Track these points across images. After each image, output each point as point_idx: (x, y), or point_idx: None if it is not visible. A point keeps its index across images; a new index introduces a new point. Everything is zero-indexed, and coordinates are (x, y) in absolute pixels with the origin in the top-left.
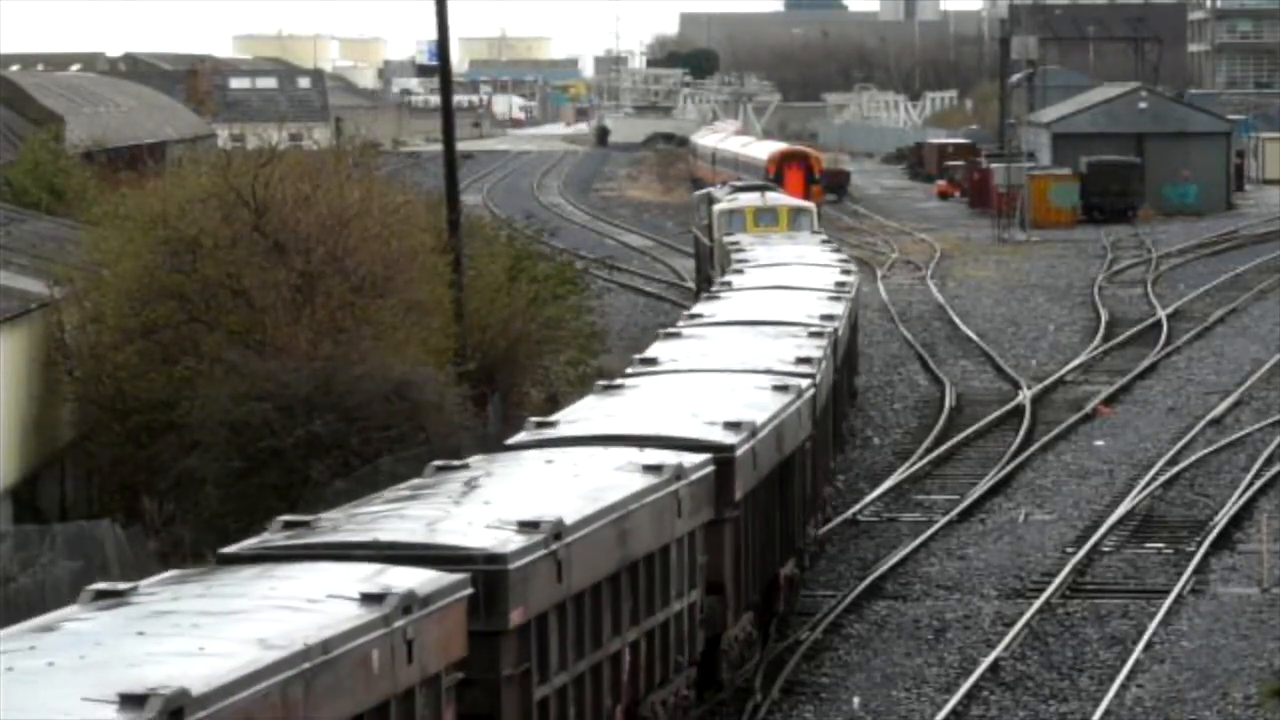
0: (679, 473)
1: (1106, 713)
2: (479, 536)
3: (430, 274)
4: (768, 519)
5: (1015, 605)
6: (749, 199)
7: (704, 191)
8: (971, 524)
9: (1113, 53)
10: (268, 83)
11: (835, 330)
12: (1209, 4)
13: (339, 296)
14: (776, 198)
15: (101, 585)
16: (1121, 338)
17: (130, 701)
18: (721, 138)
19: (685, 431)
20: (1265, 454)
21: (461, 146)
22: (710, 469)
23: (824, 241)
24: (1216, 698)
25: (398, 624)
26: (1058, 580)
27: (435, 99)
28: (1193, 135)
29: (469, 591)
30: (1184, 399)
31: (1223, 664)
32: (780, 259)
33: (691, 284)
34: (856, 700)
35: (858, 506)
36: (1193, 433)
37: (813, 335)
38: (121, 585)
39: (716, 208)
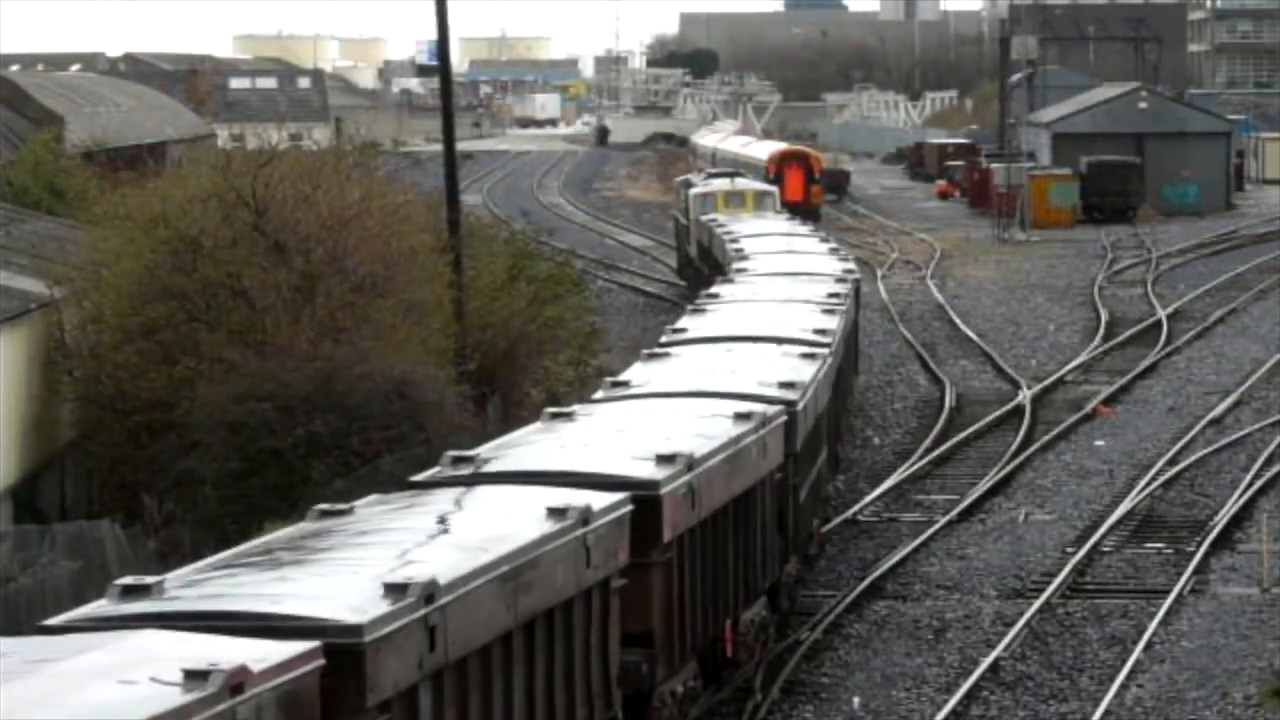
0: (817, 345)
1: (1106, 713)
2: (772, 391)
3: (430, 274)
4: (833, 402)
5: (1015, 605)
6: (720, 184)
7: (683, 178)
8: (971, 524)
9: (1113, 53)
10: (268, 83)
11: (856, 279)
12: (1209, 4)
13: (339, 296)
14: (744, 183)
15: (554, 409)
16: (1121, 338)
17: (664, 461)
18: (721, 138)
19: (797, 334)
20: (1265, 454)
21: (461, 146)
22: (827, 358)
23: (789, 219)
24: (1216, 698)
25: (761, 431)
26: (1058, 580)
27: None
28: (1193, 135)
29: (786, 418)
30: (1184, 399)
31: (1223, 664)
32: (762, 229)
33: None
34: (856, 700)
35: (858, 506)
36: (1193, 433)
37: (839, 281)
38: (567, 408)
39: (691, 191)
